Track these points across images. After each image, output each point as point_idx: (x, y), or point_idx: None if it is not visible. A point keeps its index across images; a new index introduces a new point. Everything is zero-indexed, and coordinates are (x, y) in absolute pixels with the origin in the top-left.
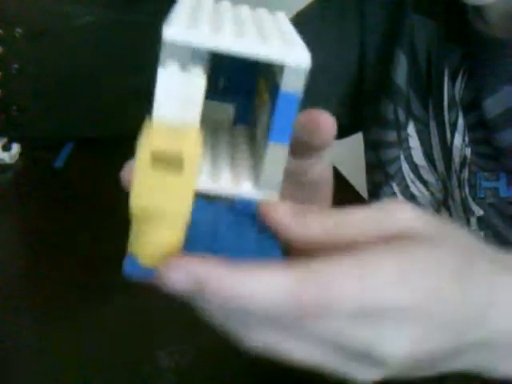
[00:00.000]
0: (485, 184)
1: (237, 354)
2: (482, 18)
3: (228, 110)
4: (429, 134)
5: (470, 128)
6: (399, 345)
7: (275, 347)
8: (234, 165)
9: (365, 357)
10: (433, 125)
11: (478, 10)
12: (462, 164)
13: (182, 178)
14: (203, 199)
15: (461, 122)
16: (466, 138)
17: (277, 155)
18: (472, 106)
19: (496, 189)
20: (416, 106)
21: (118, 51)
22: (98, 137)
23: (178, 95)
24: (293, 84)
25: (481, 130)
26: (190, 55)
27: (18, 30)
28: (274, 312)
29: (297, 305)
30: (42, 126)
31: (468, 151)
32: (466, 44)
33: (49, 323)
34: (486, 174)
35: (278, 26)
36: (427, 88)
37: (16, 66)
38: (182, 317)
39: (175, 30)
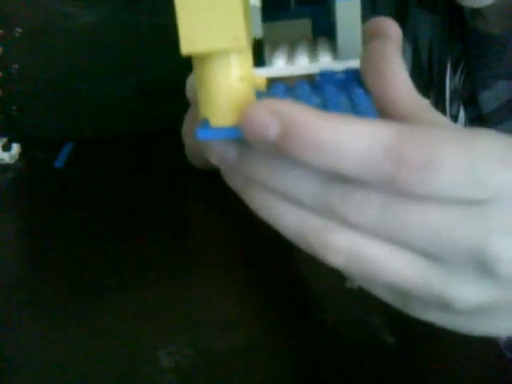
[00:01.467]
0: None
1: (236, 355)
2: (478, 14)
3: (305, 25)
4: None
5: (470, 121)
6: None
7: (357, 255)
8: (312, 48)
9: (471, 260)
10: None
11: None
12: None
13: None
14: (283, 84)
15: (462, 114)
16: None
17: (349, 13)
18: (471, 101)
19: None
20: None
21: (118, 51)
22: (98, 137)
23: None
24: None
25: (480, 123)
26: None
27: (18, 29)
28: (368, 176)
29: (397, 162)
30: (42, 126)
31: None
32: (465, 39)
33: (48, 323)
34: None
35: None
36: (428, 80)
37: (16, 66)
38: (182, 317)
39: None
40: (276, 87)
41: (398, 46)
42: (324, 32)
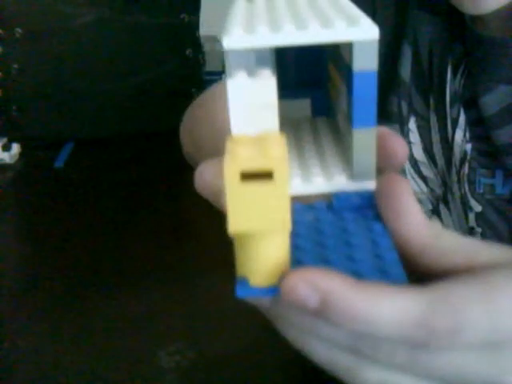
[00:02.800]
0: (484, 180)
1: (236, 355)
2: (478, 18)
3: (304, 105)
4: (429, 129)
5: (470, 124)
6: None
7: None
8: (322, 160)
9: None
10: (433, 120)
11: None
12: (462, 160)
13: (274, 188)
14: (300, 203)
15: (462, 117)
16: (467, 134)
17: (365, 141)
18: (471, 103)
19: (492, 186)
20: (417, 101)
21: (118, 51)
22: (98, 137)
23: (252, 102)
24: (365, 60)
25: (480, 127)
26: (254, 59)
27: (18, 30)
28: (400, 340)
29: (428, 332)
30: (42, 126)
31: (468, 147)
32: (466, 41)
33: (48, 323)
34: (483, 170)
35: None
36: (429, 83)
37: (16, 66)
38: (182, 317)
39: (233, 37)
40: (294, 207)
41: (407, 180)
42: (323, 112)
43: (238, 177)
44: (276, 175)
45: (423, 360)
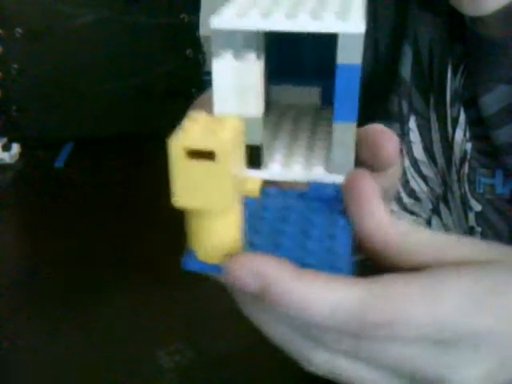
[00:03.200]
0: (484, 180)
1: (236, 355)
2: (478, 18)
3: (314, 94)
4: (429, 128)
5: (470, 124)
6: (472, 375)
7: (335, 369)
8: (309, 150)
9: (435, 382)
10: (433, 119)
11: None
12: (462, 159)
13: (216, 169)
14: (276, 188)
15: (462, 116)
16: (467, 133)
17: (344, 136)
18: (471, 103)
19: (492, 185)
20: (417, 100)
21: (118, 51)
22: (98, 137)
23: (236, 84)
24: (349, 53)
25: (479, 126)
26: (242, 42)
27: (18, 30)
28: (335, 329)
29: (360, 324)
30: (42, 126)
31: (469, 146)
32: (466, 41)
33: (48, 323)
34: (483, 170)
35: None
36: (429, 82)
37: (16, 66)
38: (182, 317)
39: (223, 17)
40: (268, 191)
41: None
42: (332, 102)
43: (182, 153)
44: (218, 156)
45: (368, 349)
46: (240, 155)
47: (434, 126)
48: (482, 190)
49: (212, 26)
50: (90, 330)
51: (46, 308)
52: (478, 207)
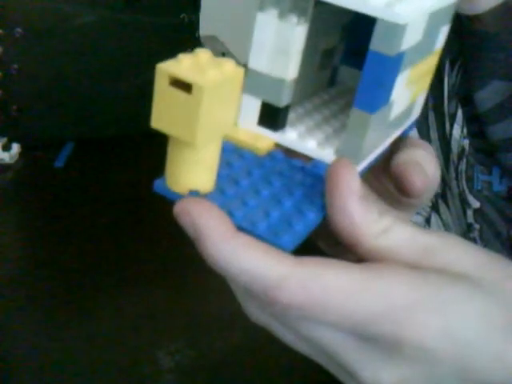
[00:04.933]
0: (481, 177)
1: (236, 355)
2: (474, 15)
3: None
4: (427, 126)
5: (466, 121)
6: (383, 378)
7: (269, 327)
8: (334, 131)
9: (347, 372)
10: (432, 117)
11: None
12: (460, 156)
13: (191, 101)
14: (281, 152)
15: (460, 113)
16: (465, 130)
17: (359, 123)
18: (467, 100)
19: (489, 183)
20: None
21: (118, 51)
22: (98, 137)
23: (275, 43)
24: (384, 42)
25: (475, 123)
26: (289, 3)
27: (18, 30)
28: (251, 294)
29: (271, 300)
30: (42, 126)
31: (466, 143)
32: (462, 37)
33: (48, 323)
34: (481, 167)
35: None
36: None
37: (16, 66)
38: (182, 317)
39: None
40: (274, 154)
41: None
42: None
43: (167, 79)
44: (194, 91)
45: (290, 320)
46: (228, 100)
47: (433, 124)
48: (479, 187)
49: None
50: (90, 330)
51: (46, 308)
52: (476, 204)
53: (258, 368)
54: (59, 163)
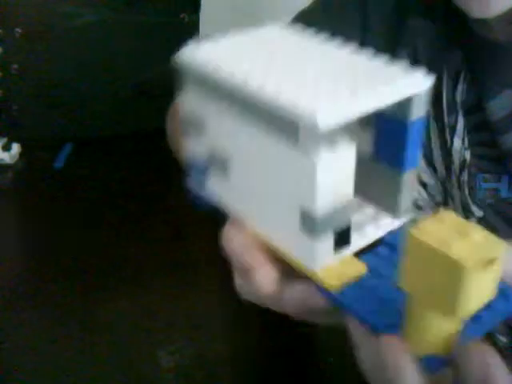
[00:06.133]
0: (484, 185)
1: (236, 355)
2: (482, 21)
3: (366, 141)
4: (429, 136)
5: (473, 129)
6: None
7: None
8: (361, 206)
9: None
10: (433, 127)
11: None
12: (462, 167)
13: (453, 275)
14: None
15: (460, 125)
16: (466, 141)
17: (410, 181)
18: (476, 108)
19: (496, 190)
20: None
21: (118, 51)
22: (98, 137)
23: (334, 176)
24: (418, 110)
25: (484, 131)
26: (339, 131)
27: (18, 30)
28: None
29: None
30: (42, 126)
31: (468, 154)
32: (466, 47)
33: (48, 323)
34: (486, 175)
35: (352, 62)
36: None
37: (16, 66)
38: (182, 317)
39: (324, 113)
40: (378, 251)
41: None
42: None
43: (420, 247)
44: (460, 267)
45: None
46: (492, 271)
47: (434, 134)
48: (482, 196)
49: (318, 127)
50: (91, 330)
51: (46, 308)
52: (479, 213)
53: (258, 368)
54: (59, 164)
